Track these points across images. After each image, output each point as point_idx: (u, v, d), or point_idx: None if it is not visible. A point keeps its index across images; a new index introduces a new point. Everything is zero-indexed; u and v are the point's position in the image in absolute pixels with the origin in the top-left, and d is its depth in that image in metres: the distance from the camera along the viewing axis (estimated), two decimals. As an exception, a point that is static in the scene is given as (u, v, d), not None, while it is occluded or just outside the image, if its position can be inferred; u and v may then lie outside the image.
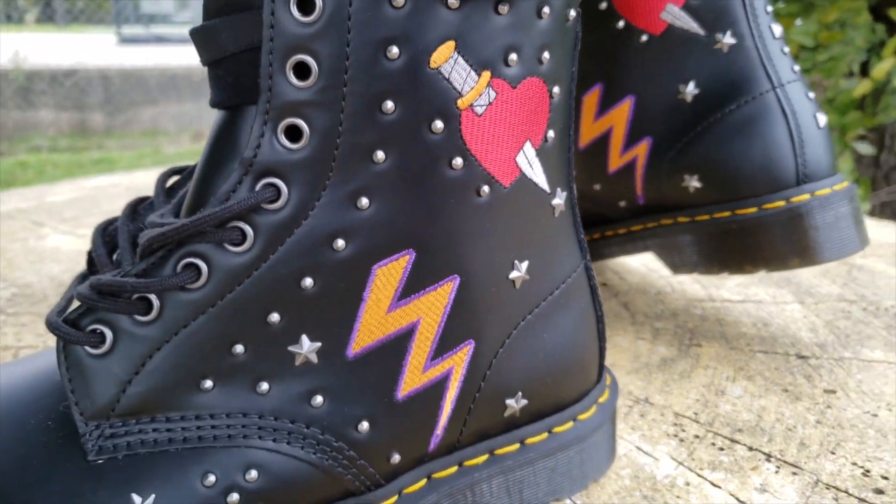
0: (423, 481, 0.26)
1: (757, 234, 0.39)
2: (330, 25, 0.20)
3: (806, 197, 0.39)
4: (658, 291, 0.53)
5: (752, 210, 0.39)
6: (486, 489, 0.27)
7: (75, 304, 0.25)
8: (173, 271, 0.22)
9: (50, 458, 0.22)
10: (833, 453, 0.33)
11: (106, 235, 0.27)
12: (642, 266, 0.58)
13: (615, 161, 0.42)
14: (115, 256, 0.27)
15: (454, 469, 0.27)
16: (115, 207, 0.74)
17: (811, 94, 0.40)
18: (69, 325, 0.23)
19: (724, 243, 0.40)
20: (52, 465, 0.22)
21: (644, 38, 0.40)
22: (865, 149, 1.56)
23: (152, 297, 0.22)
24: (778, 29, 0.40)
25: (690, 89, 0.40)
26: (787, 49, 0.40)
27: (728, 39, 0.39)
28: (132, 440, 0.23)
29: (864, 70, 1.58)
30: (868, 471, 0.32)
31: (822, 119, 0.40)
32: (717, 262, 0.41)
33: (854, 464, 0.33)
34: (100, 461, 0.22)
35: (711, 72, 0.40)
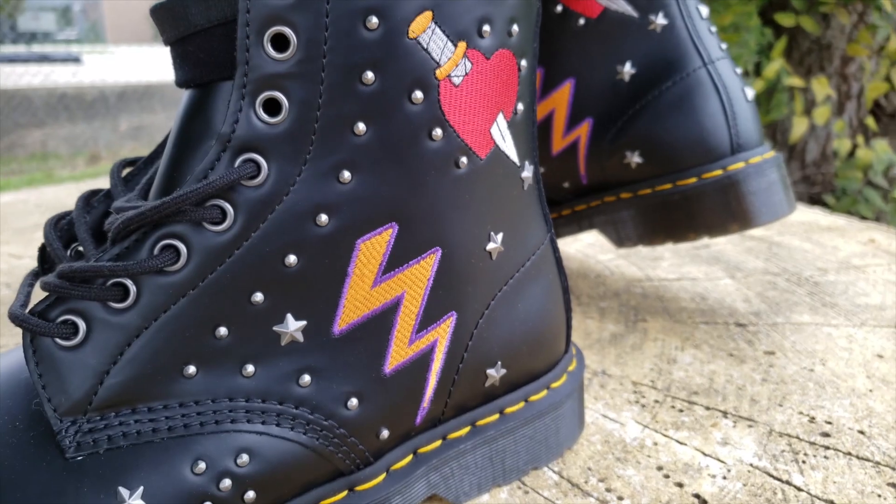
0: (410, 457, 0.26)
1: (697, 202, 0.41)
2: (308, -5, 0.20)
3: (741, 165, 0.41)
4: (598, 275, 0.55)
5: (692, 180, 0.41)
6: (470, 460, 0.28)
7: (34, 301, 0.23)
8: (150, 254, 0.21)
9: (24, 460, 0.21)
10: (781, 406, 0.35)
11: (58, 230, 0.26)
12: (579, 253, 0.60)
13: (558, 143, 0.43)
14: (70, 250, 0.25)
15: (439, 443, 0.27)
16: (29, 224, 0.69)
17: (738, 70, 0.43)
18: (37, 318, 0.22)
19: (667, 214, 0.42)
20: (28, 467, 0.21)
21: (581, 21, 0.41)
22: (761, 143, 1.66)
23: (128, 282, 0.21)
24: (705, 10, 0.42)
25: (627, 69, 0.42)
26: (713, 28, 0.43)
27: (660, 20, 0.41)
28: (113, 433, 0.22)
29: (758, 70, 1.68)
30: (814, 418, 0.34)
31: (750, 92, 0.42)
32: (662, 233, 0.43)
33: (801, 413, 0.35)
34: (79, 457, 0.21)
35: (646, 52, 0.41)
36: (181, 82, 0.23)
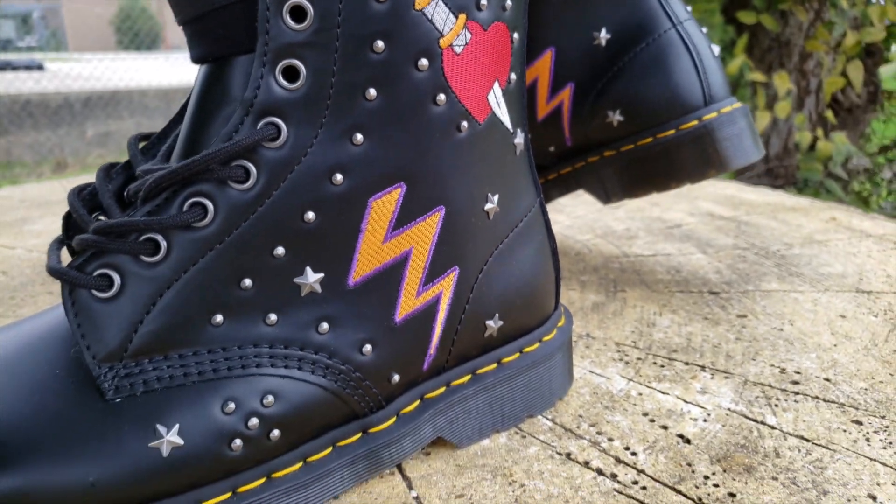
0: (417, 402, 0.28)
1: (677, 151, 0.44)
2: (324, -29, 0.22)
3: (714, 114, 0.44)
4: (577, 252, 0.57)
5: (671, 132, 0.44)
6: (472, 406, 0.30)
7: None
8: (179, 210, 0.23)
9: (66, 403, 0.23)
10: (754, 360, 0.38)
11: (81, 199, 0.27)
12: (559, 234, 0.62)
13: (543, 108, 0.46)
14: (93, 217, 0.27)
15: (443, 389, 0.29)
16: (16, 217, 0.70)
17: (704, 29, 0.46)
18: (75, 271, 0.23)
19: (650, 166, 0.45)
20: (71, 410, 0.22)
21: None
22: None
23: (159, 237, 0.23)
24: None
25: (603, 35, 0.45)
26: None
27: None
28: (148, 378, 0.23)
29: (721, 66, 1.72)
30: (784, 369, 0.37)
31: (716, 49, 0.46)
32: (647, 184, 0.46)
33: (772, 365, 0.38)
34: (118, 400, 0.23)
35: (620, 17, 0.44)
36: (198, 58, 0.25)
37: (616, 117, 0.45)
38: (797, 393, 0.35)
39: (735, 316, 0.44)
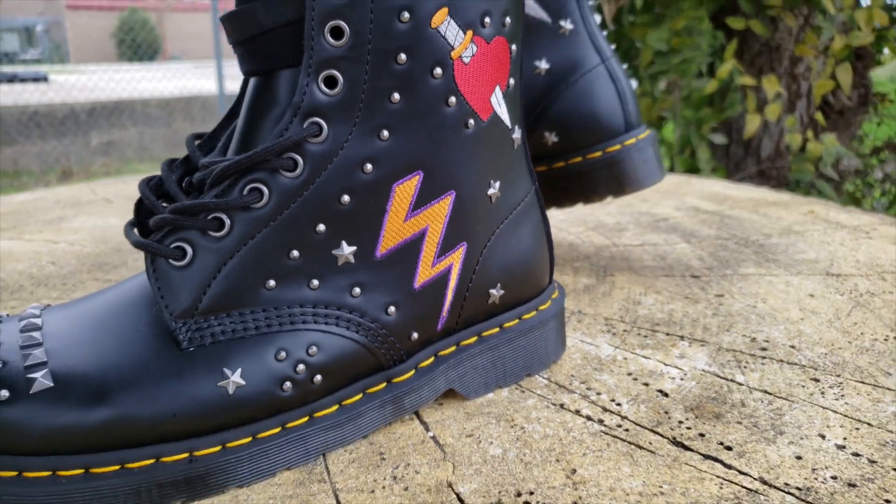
0: (432, 358, 0.33)
1: (602, 170, 0.52)
2: (357, -3, 0.27)
3: (633, 140, 0.52)
4: (570, 244, 0.62)
5: (598, 154, 0.51)
6: (478, 363, 0.35)
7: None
8: (240, 194, 0.28)
9: (149, 352, 0.28)
10: (728, 331, 0.43)
11: (150, 188, 0.32)
12: (554, 227, 0.67)
13: None
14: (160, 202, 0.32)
15: (454, 348, 0.34)
16: (54, 216, 0.75)
17: (624, 66, 0.53)
18: (156, 244, 0.28)
19: (578, 181, 0.52)
20: (153, 357, 0.28)
21: None
22: (720, 139, 1.76)
23: (224, 216, 0.28)
24: (598, 18, 0.53)
25: (543, 65, 0.51)
26: (604, 33, 0.54)
27: (568, 25, 0.51)
28: (215, 331, 0.28)
29: (712, 71, 1.78)
30: (754, 338, 0.42)
31: (633, 83, 0.54)
32: (574, 196, 0.53)
33: (744, 335, 0.43)
34: (191, 349, 0.28)
35: (558, 51, 0.51)
36: (249, 72, 0.30)
37: (552, 138, 0.52)
38: (764, 357, 0.40)
39: (713, 295, 0.49)
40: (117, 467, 0.27)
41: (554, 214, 0.72)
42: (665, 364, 0.39)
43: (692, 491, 0.28)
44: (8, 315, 0.31)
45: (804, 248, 0.59)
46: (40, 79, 5.24)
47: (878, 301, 0.47)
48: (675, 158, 1.83)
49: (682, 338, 0.42)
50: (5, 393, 0.26)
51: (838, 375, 0.38)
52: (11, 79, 5.08)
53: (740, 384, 0.37)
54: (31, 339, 0.28)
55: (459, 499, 0.28)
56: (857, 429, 0.32)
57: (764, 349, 0.41)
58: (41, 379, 0.26)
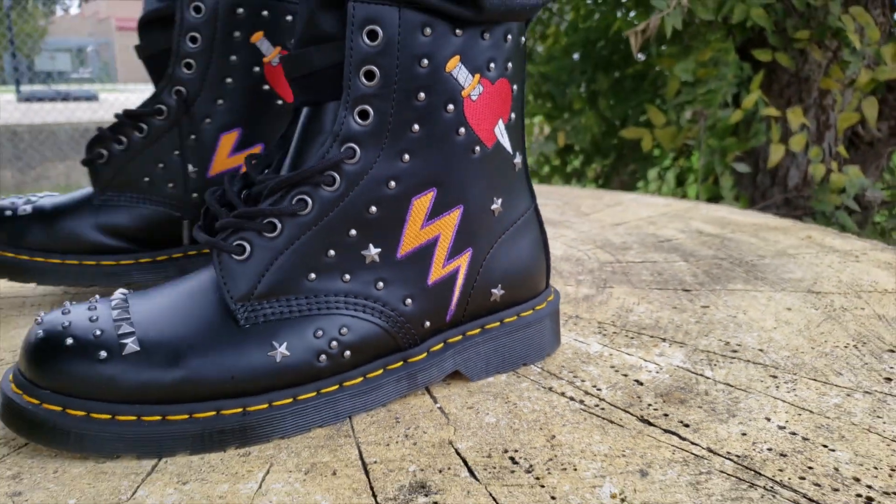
0: (442, 344, 0.40)
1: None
2: (387, 48, 0.35)
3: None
4: (577, 259, 0.69)
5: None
6: (481, 350, 0.41)
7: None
8: (290, 204, 0.35)
9: (214, 328, 0.35)
10: (706, 336, 0.49)
11: (216, 198, 0.40)
12: (564, 245, 0.74)
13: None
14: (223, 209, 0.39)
15: (460, 337, 0.41)
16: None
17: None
18: (221, 241, 0.36)
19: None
20: (218, 332, 0.35)
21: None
22: (743, 168, 1.81)
23: (276, 221, 0.35)
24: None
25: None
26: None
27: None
28: (266, 312, 0.35)
29: (737, 101, 1.83)
30: (728, 343, 0.48)
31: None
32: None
33: (720, 340, 0.48)
34: (247, 326, 0.35)
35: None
36: (301, 103, 0.38)
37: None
38: (734, 358, 0.46)
39: (700, 306, 0.55)
40: (186, 416, 0.34)
41: (566, 234, 0.78)
42: (645, 360, 0.45)
43: (649, 455, 0.34)
44: (100, 297, 0.38)
45: (793, 268, 0.65)
46: (91, 97, 5.49)
47: (849, 315, 0.53)
48: (699, 186, 1.88)
49: (664, 340, 0.48)
50: (104, 353, 0.33)
51: (794, 374, 0.43)
52: (65, 97, 5.33)
53: (707, 378, 0.43)
54: (123, 314, 0.35)
55: (458, 453, 0.34)
56: (800, 414, 0.38)
57: (735, 351, 0.47)
58: (131, 344, 0.34)
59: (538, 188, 1.16)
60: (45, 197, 0.56)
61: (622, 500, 0.31)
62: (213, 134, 0.53)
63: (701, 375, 0.43)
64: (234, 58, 0.52)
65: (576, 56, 2.25)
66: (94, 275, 0.54)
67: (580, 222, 0.84)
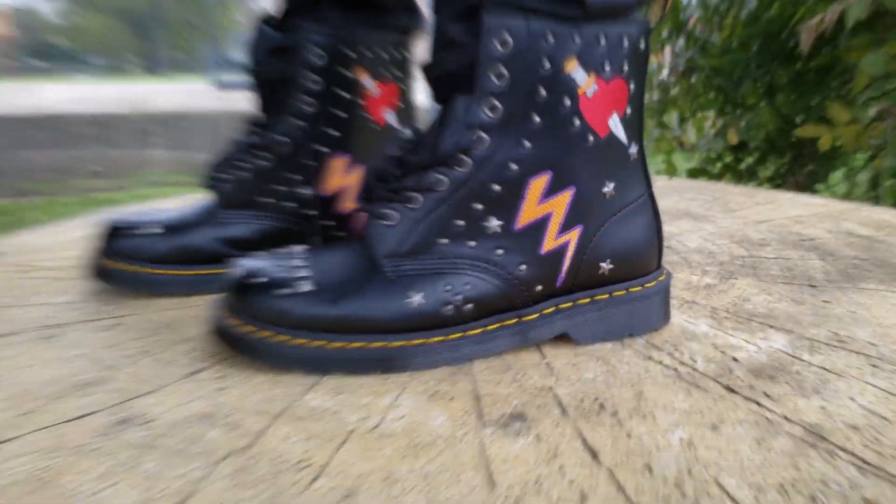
0: (553, 308, 0.46)
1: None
2: (515, 52, 0.41)
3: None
4: (710, 252, 0.71)
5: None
6: (590, 317, 0.47)
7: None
8: (429, 182, 0.43)
9: (366, 278, 0.44)
10: (818, 327, 0.51)
11: (373, 174, 0.49)
12: (699, 238, 0.76)
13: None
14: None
15: (570, 304, 0.47)
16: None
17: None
18: (376, 209, 0.44)
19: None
20: (369, 280, 0.44)
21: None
22: (935, 172, 1.66)
23: (419, 195, 0.44)
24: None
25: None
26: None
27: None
28: (406, 268, 0.44)
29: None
30: (838, 334, 0.50)
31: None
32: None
33: (830, 331, 0.50)
34: (392, 277, 0.44)
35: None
36: (437, 100, 0.45)
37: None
38: (839, 347, 0.48)
39: (821, 301, 0.56)
40: (343, 345, 0.43)
41: (705, 228, 0.80)
42: (747, 342, 0.48)
43: (724, 415, 0.39)
44: (284, 250, 0.48)
45: (941, 273, 0.63)
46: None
47: (983, 320, 0.52)
48: (883, 188, 1.75)
49: (772, 327, 0.51)
50: (286, 290, 0.43)
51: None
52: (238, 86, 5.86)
53: (803, 361, 0.45)
54: (301, 263, 0.45)
55: (555, 396, 0.41)
56: (888, 398, 0.40)
57: (843, 342, 0.48)
58: (306, 285, 0.43)
59: (690, 183, 1.17)
60: (165, 212, 0.62)
61: (688, 444, 0.36)
62: (326, 159, 0.61)
63: (798, 359, 0.46)
64: (344, 94, 0.60)
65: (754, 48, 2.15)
66: (211, 282, 0.57)
67: (723, 218, 0.86)
